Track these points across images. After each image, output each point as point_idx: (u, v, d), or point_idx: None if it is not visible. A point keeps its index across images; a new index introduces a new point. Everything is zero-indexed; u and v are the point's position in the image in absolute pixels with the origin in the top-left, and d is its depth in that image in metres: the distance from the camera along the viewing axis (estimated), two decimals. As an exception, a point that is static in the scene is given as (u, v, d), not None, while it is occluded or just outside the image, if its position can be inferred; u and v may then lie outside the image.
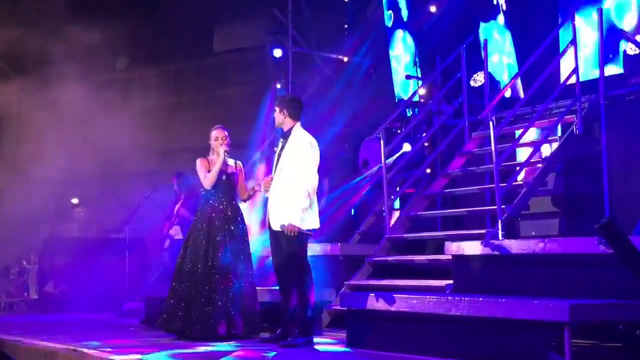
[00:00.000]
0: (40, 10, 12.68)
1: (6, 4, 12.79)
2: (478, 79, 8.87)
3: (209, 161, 6.73)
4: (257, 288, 6.78)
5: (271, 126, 9.50)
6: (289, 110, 6.18)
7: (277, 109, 6.18)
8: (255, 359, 5.44)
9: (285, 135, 6.15)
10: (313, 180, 5.93)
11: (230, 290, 6.44)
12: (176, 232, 8.75)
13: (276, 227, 5.98)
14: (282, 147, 6.14)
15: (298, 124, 6.16)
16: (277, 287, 6.32)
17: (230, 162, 6.79)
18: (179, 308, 6.45)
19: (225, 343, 6.10)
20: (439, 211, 8.10)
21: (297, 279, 5.96)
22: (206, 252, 6.52)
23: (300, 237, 5.93)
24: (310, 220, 5.94)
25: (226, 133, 6.75)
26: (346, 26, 11.66)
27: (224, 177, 6.70)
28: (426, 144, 8.90)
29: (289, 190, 5.93)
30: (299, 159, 5.96)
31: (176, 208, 9.10)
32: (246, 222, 6.87)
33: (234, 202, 6.76)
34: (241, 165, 6.91)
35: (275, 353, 5.58)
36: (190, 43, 14.01)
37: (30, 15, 12.51)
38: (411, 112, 9.65)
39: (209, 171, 6.66)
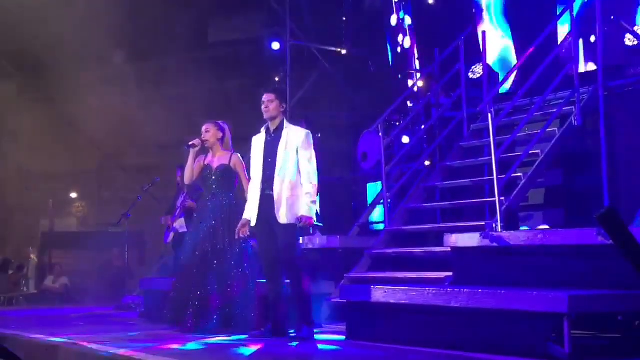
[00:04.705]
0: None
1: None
2: (476, 71, 8.87)
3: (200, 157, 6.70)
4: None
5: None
6: (286, 105, 6.06)
7: (277, 101, 5.89)
8: (257, 352, 5.44)
9: (276, 129, 5.90)
10: (316, 172, 5.87)
11: (223, 285, 6.36)
12: (181, 224, 8.73)
13: (283, 220, 5.76)
14: (274, 142, 5.88)
15: (284, 118, 5.98)
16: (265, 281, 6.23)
17: (221, 155, 6.67)
18: (179, 302, 6.45)
19: (223, 337, 6.08)
20: (438, 203, 8.10)
21: (295, 272, 5.90)
22: (196, 247, 6.49)
23: (302, 231, 5.93)
24: (314, 213, 5.90)
25: (205, 127, 6.65)
26: (344, 18, 11.64)
27: (207, 172, 6.62)
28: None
29: (298, 183, 5.80)
30: (304, 152, 5.83)
31: (180, 201, 9.09)
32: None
33: (220, 197, 6.57)
34: (237, 158, 6.68)
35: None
36: (185, 35, 13.96)
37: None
38: (410, 104, 9.65)
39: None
